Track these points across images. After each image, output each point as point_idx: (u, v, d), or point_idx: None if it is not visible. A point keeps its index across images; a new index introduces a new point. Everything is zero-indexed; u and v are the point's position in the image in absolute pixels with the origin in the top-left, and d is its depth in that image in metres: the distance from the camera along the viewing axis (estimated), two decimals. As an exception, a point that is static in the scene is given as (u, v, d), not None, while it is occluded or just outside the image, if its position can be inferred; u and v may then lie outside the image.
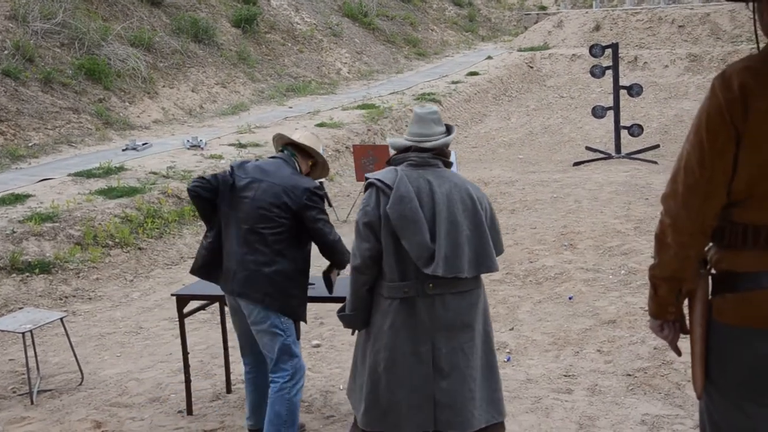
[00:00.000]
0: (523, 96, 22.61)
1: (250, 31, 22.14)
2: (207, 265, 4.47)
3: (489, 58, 26.22)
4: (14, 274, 8.30)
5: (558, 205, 11.00)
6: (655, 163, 13.95)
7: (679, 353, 2.67)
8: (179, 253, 9.84)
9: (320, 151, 4.60)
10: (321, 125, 15.86)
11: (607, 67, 14.98)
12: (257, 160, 4.53)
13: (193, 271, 4.56)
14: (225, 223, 4.38)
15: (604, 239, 9.02)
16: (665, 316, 2.58)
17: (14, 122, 13.37)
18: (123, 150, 13.46)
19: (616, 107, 14.96)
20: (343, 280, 4.34)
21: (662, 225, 2.46)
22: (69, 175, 11.41)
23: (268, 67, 21.40)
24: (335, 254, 4.35)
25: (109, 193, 10.62)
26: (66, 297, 8.28)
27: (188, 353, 5.19)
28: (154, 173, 11.81)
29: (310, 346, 6.39)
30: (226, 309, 5.77)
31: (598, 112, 15.11)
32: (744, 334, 2.35)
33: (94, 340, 7.07)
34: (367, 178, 3.73)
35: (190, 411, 5.23)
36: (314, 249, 4.42)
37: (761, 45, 2.40)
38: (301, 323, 4.55)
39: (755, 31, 2.45)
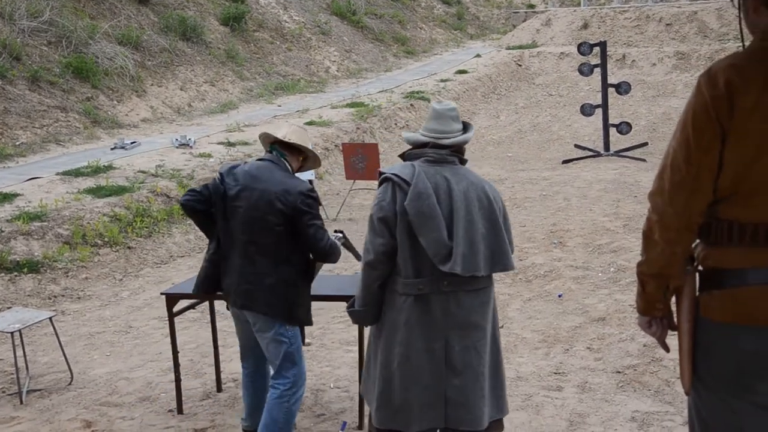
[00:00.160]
0: (511, 94, 22.65)
1: (238, 29, 22.10)
2: (209, 277, 4.39)
3: (478, 56, 26.25)
4: (2, 274, 8.26)
5: (547, 203, 11.03)
6: (644, 160, 14.01)
7: (667, 349, 2.68)
8: (168, 252, 9.81)
9: (309, 144, 4.48)
10: (310, 123, 15.85)
11: (596, 65, 15.04)
12: (245, 162, 4.45)
13: (197, 287, 4.46)
14: (223, 234, 4.30)
15: (593, 237, 9.05)
16: (653, 313, 2.59)
17: (1, 121, 13.30)
18: (111, 149, 13.42)
19: (604, 105, 15.01)
20: (345, 278, 4.31)
21: (649, 222, 2.48)
22: (57, 174, 11.36)
23: (256, 66, 21.37)
24: (326, 259, 4.27)
25: (97, 192, 10.58)
26: (55, 296, 8.25)
27: (178, 352, 5.18)
28: (143, 172, 11.78)
29: (300, 344, 6.38)
30: (216, 308, 5.77)
31: (586, 110, 15.16)
32: (730, 330, 2.36)
33: (84, 339, 7.05)
34: (381, 173, 3.66)
35: (180, 410, 5.22)
36: None
37: (747, 42, 2.41)
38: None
39: (740, 28, 2.47)
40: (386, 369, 3.66)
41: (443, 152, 3.66)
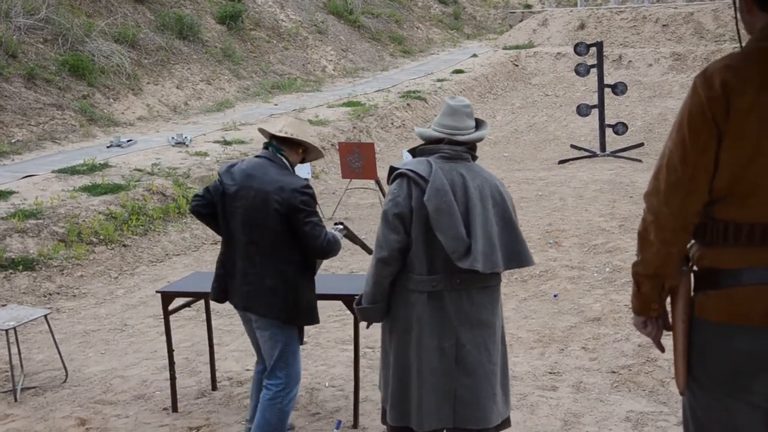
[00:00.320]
0: (508, 94, 22.66)
1: (235, 27, 22.08)
2: (220, 278, 4.37)
3: (474, 56, 26.25)
4: (-3, 272, 8.25)
5: (543, 203, 11.05)
6: (640, 161, 14.03)
7: (662, 350, 2.69)
8: (164, 250, 9.80)
9: (307, 136, 4.39)
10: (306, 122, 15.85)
11: (592, 66, 15.04)
12: (242, 160, 4.42)
13: (213, 290, 4.41)
14: (225, 235, 4.30)
15: (589, 237, 9.07)
16: (648, 313, 2.60)
17: (-3, 118, 13.27)
18: (107, 147, 13.40)
19: (600, 105, 15.03)
20: (340, 277, 4.29)
21: (645, 222, 2.48)
22: (53, 171, 11.35)
23: (253, 64, 21.35)
24: (325, 256, 4.24)
25: (93, 189, 10.56)
26: (50, 294, 8.24)
27: (173, 350, 5.18)
28: (139, 170, 11.76)
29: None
30: (212, 306, 5.77)
31: (582, 111, 15.17)
32: (726, 330, 2.36)
33: (79, 337, 7.04)
34: (395, 168, 3.63)
35: (175, 408, 5.22)
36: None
37: (743, 43, 2.41)
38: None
39: (737, 29, 2.47)
40: (399, 368, 3.65)
41: (459, 149, 3.64)
